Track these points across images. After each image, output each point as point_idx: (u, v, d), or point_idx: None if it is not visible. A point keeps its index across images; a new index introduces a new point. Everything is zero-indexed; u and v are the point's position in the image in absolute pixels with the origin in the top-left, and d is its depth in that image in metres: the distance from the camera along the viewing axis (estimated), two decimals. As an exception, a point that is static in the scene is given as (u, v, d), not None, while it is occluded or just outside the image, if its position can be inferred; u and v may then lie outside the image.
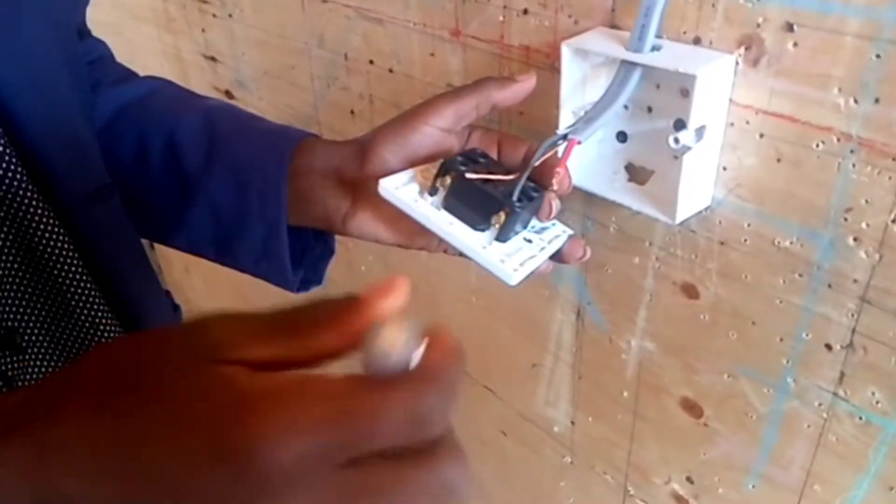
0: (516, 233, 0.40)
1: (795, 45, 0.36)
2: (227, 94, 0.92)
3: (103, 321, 0.41)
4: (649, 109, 0.44)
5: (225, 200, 0.45)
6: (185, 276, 1.50)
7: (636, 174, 0.46)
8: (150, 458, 0.21)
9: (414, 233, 0.43)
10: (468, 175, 0.39)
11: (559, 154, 0.41)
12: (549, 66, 0.48)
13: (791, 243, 0.41)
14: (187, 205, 0.46)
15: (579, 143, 0.41)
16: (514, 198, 0.39)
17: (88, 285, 0.40)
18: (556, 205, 0.41)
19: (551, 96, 0.44)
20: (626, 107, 0.44)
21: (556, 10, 0.46)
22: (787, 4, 0.35)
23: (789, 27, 0.36)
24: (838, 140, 0.36)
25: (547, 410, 0.66)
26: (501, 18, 0.50)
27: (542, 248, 0.41)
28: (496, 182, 0.40)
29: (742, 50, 0.38)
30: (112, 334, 0.41)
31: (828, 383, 0.42)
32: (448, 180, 0.40)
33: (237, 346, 0.22)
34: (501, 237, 0.39)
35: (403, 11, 0.57)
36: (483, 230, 0.40)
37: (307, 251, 0.49)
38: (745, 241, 0.43)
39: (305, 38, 0.71)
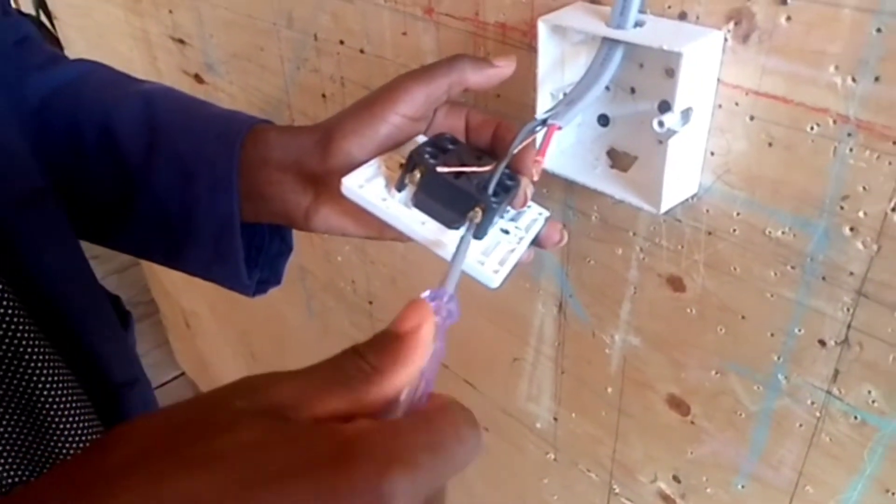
0: (493, 225, 0.38)
1: (789, 19, 0.33)
2: (197, 77, 0.88)
3: (31, 343, 0.36)
4: (632, 91, 0.41)
5: (170, 196, 0.41)
6: (163, 269, 1.46)
7: (619, 160, 0.43)
8: None
9: (384, 225, 0.40)
10: (439, 169, 0.36)
11: (537, 141, 0.38)
12: (527, 46, 0.45)
13: (783, 233, 0.38)
14: (128, 201, 0.42)
15: (560, 128, 0.38)
16: (490, 191, 0.36)
17: (12, 304, 0.35)
18: (530, 191, 0.38)
19: (529, 78, 0.42)
20: (607, 88, 0.42)
21: (533, -15, 0.43)
22: (779, -25, 0.33)
23: (783, 0, 0.33)
24: (834, 122, 0.34)
25: (529, 406, 0.63)
26: (475, -6, 0.47)
27: (521, 238, 0.39)
28: (469, 174, 0.37)
29: (731, 25, 0.35)
30: (41, 357, 0.37)
31: (821, 381, 0.40)
32: (417, 175, 0.37)
33: (306, 404, 0.21)
34: (478, 234, 0.36)
35: (373, -12, 0.54)
36: (457, 227, 0.37)
37: (263, 249, 0.46)
38: (734, 230, 0.40)
39: (274, 17, 0.67)
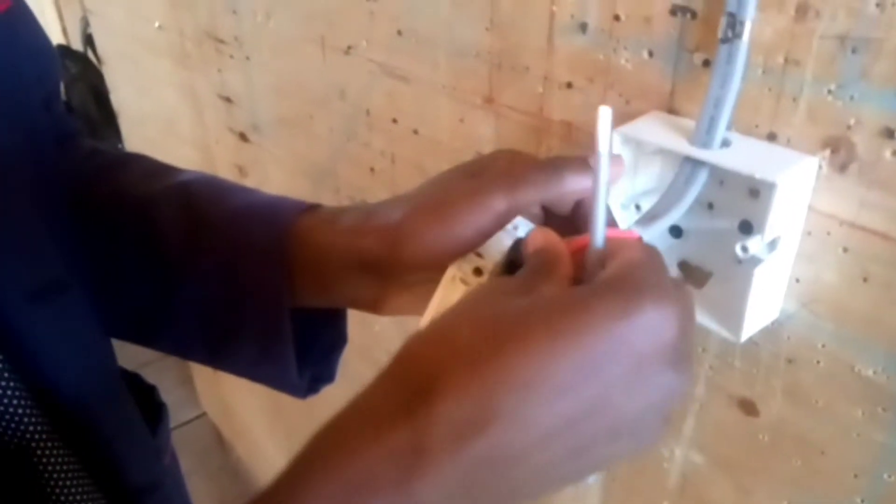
0: None
1: (895, 153, 0.31)
2: (242, 136, 0.88)
3: (43, 444, 0.34)
4: (710, 206, 0.39)
5: (213, 290, 0.39)
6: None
7: (691, 275, 0.41)
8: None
9: None
10: None
11: None
12: (594, 148, 0.43)
13: (874, 373, 0.35)
14: (169, 296, 0.40)
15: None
16: None
17: (23, 403, 0.33)
18: None
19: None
20: (682, 200, 0.39)
21: (605, 88, 0.41)
22: (886, 107, 0.30)
23: (889, 133, 0.31)
24: (943, 266, 0.31)
25: (573, 505, 0.60)
26: (541, 90, 0.45)
27: None
28: None
29: (827, 153, 0.33)
30: (54, 457, 0.34)
31: (912, 533, 0.36)
32: None
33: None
34: None
35: (432, 72, 0.53)
36: None
37: (315, 344, 0.43)
38: (819, 362, 0.37)
39: (325, 89, 0.66)
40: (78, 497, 0.37)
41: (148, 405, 0.46)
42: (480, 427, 0.24)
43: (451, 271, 0.35)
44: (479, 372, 0.24)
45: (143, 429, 0.43)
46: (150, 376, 0.49)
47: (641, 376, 0.25)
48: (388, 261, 0.36)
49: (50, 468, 0.35)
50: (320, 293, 0.39)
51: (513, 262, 0.34)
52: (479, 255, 0.35)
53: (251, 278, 0.39)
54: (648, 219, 0.36)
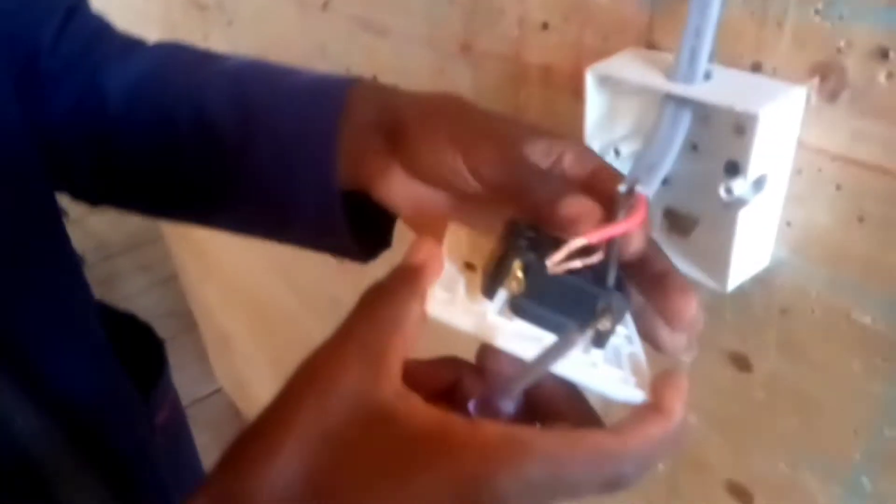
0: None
1: (890, 76, 0.28)
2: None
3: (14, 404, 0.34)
4: (694, 147, 0.36)
5: (269, 172, 0.38)
6: (198, 286, 1.45)
7: (677, 223, 0.38)
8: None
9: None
10: (550, 265, 0.27)
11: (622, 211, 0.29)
12: (573, 91, 0.40)
13: (872, 320, 0.32)
14: (228, 181, 0.39)
15: (648, 197, 0.30)
16: (612, 284, 0.28)
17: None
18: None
19: (574, 127, 0.37)
20: (665, 143, 0.37)
21: (581, 26, 0.38)
22: (879, 25, 0.27)
23: (882, 54, 0.28)
24: (944, 200, 0.28)
25: (570, 470, 0.58)
26: (517, 33, 0.42)
27: (628, 336, 0.31)
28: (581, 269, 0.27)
29: (816, 80, 0.30)
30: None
31: (916, 491, 0.34)
32: (519, 275, 0.28)
33: (378, 383, 0.26)
34: (601, 342, 0.28)
35: (407, 22, 0.50)
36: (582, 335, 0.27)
37: (371, 215, 0.40)
38: (813, 311, 0.35)
39: (306, 48, 0.64)
40: (65, 468, 0.37)
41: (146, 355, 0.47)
42: None
43: (447, 262, 0.31)
44: None
45: (140, 409, 0.43)
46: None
47: None
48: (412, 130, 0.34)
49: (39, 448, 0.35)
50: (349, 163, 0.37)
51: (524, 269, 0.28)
52: (468, 251, 0.32)
53: (306, 155, 0.37)
54: (646, 169, 0.33)
